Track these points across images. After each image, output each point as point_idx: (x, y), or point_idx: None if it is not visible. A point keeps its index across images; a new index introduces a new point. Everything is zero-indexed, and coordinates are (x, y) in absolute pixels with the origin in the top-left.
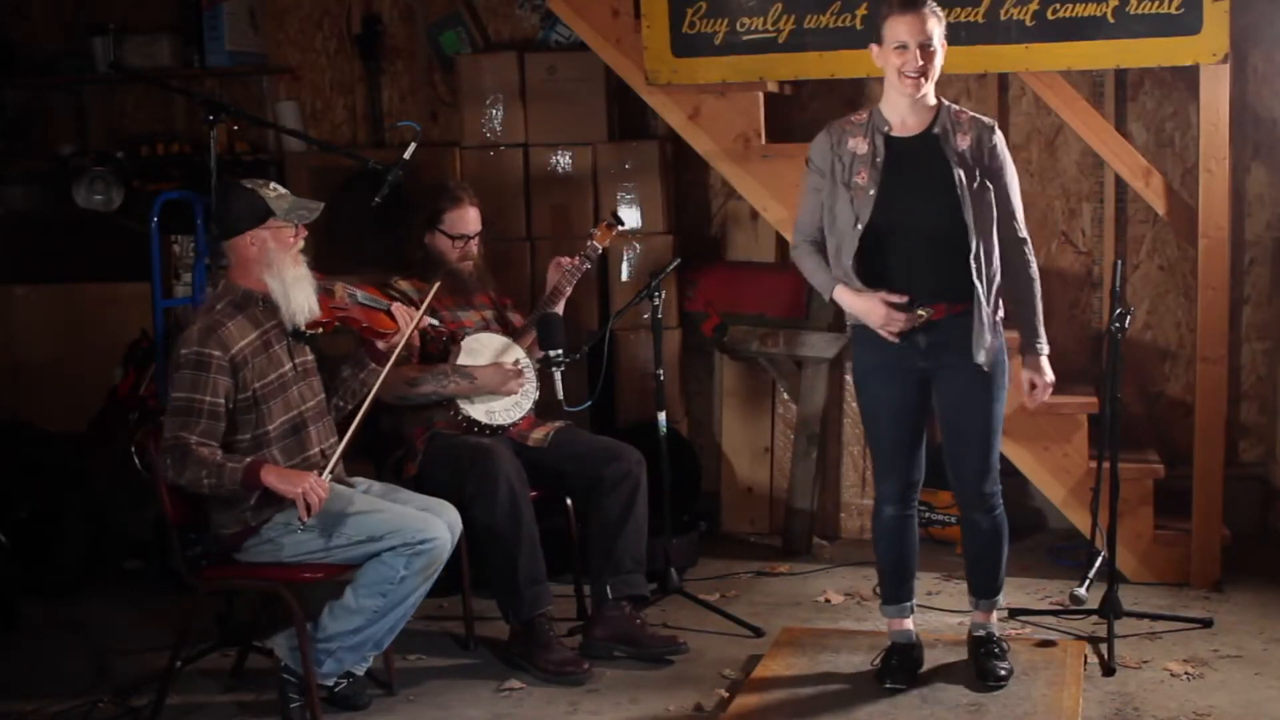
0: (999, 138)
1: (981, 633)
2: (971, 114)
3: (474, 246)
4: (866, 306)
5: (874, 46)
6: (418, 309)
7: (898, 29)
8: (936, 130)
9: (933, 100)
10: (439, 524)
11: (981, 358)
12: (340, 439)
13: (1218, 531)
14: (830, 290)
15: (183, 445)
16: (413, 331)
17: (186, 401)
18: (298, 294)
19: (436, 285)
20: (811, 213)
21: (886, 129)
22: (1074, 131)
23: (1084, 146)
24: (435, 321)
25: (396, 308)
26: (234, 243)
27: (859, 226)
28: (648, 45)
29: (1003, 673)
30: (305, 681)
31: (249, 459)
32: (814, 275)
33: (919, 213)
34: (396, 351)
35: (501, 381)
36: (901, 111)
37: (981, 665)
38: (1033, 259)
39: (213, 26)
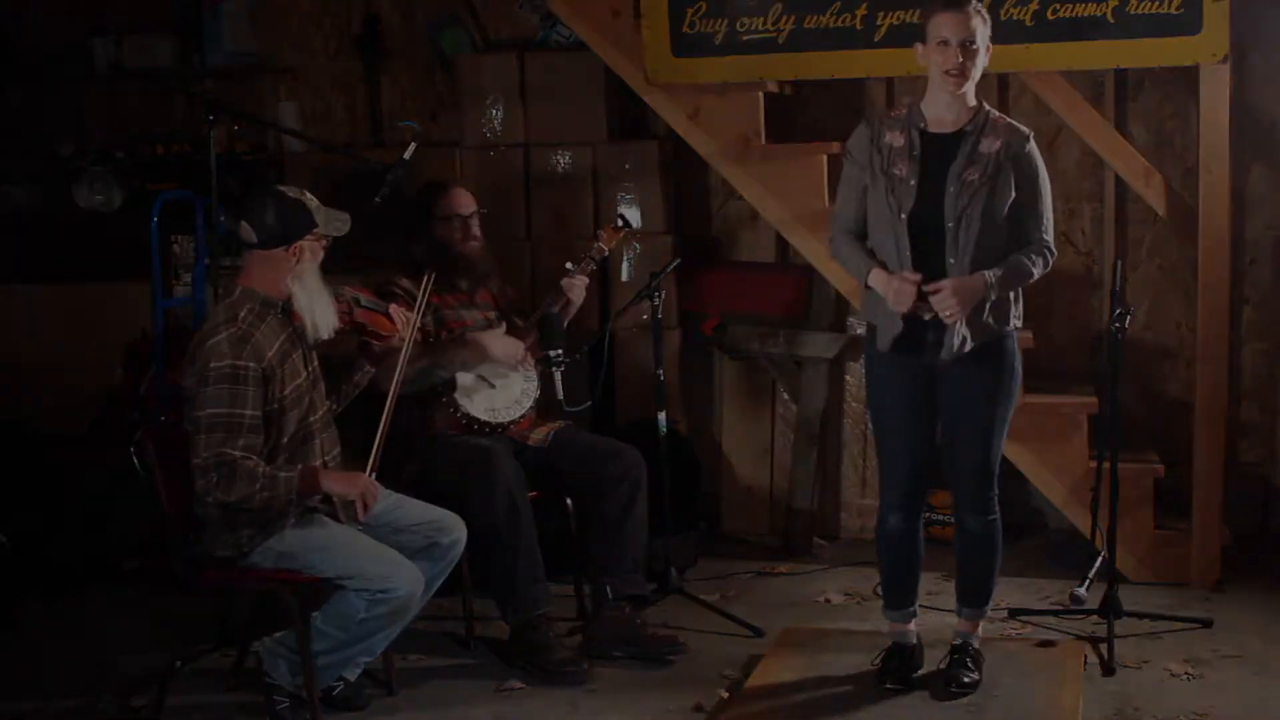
0: (1032, 147)
1: (959, 641)
2: (1010, 121)
3: (475, 226)
4: (892, 286)
5: (919, 45)
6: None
7: (942, 26)
8: (969, 129)
9: (973, 102)
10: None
11: (944, 355)
12: (374, 438)
13: (1218, 531)
14: (866, 274)
15: (229, 461)
16: (414, 329)
17: (227, 416)
18: (321, 305)
19: (430, 275)
20: (848, 202)
21: (922, 124)
22: (1074, 131)
23: (1084, 146)
24: (428, 319)
25: (394, 308)
26: (273, 251)
27: (904, 216)
28: (648, 45)
29: (967, 680)
30: (299, 684)
31: (299, 466)
32: (850, 260)
33: (942, 209)
34: (406, 349)
35: (508, 350)
36: (939, 109)
37: (949, 671)
38: (1041, 259)
39: (213, 26)
